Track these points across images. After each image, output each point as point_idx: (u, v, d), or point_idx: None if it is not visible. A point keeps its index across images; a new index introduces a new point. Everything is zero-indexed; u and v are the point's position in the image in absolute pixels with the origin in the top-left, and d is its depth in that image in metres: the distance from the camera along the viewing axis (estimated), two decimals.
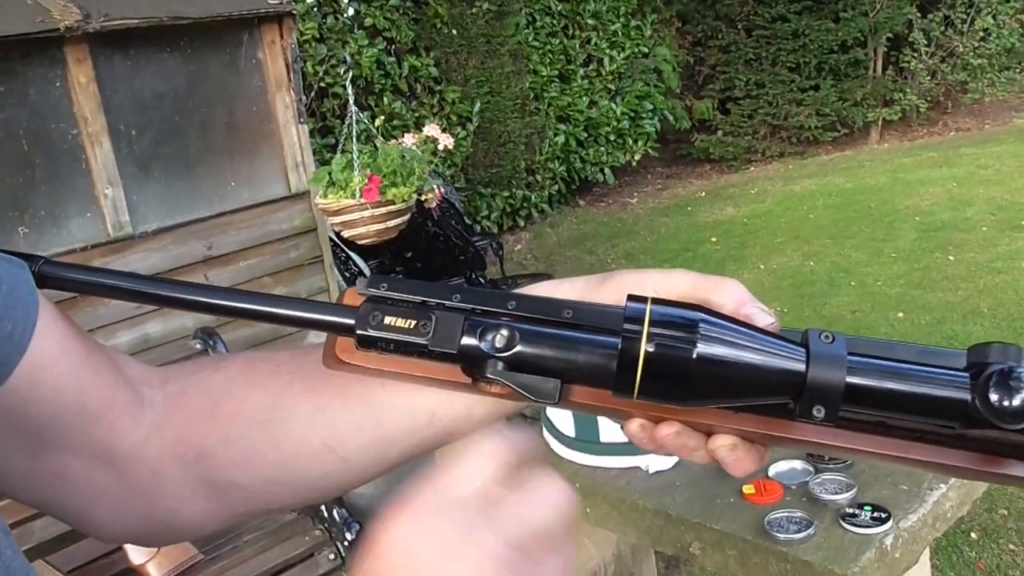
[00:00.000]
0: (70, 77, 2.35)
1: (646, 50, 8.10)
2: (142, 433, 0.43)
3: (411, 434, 0.42)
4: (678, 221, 7.02)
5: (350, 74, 2.88)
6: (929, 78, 8.86)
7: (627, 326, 0.33)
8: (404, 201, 2.59)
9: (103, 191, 2.42)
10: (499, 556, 0.29)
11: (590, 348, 0.35)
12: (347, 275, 3.64)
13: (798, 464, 1.48)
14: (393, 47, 6.13)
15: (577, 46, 7.59)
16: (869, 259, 5.07)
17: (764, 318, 0.35)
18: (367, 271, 3.90)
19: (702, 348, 0.32)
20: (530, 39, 6.97)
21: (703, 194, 7.99)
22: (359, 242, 2.72)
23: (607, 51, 7.77)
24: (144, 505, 0.44)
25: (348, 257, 3.69)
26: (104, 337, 2.46)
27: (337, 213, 2.58)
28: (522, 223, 7.20)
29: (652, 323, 0.33)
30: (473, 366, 0.35)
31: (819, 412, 0.33)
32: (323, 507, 2.06)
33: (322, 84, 5.43)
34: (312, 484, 0.44)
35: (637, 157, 8.10)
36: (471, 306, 0.35)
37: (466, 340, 0.35)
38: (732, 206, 7.21)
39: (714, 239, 6.18)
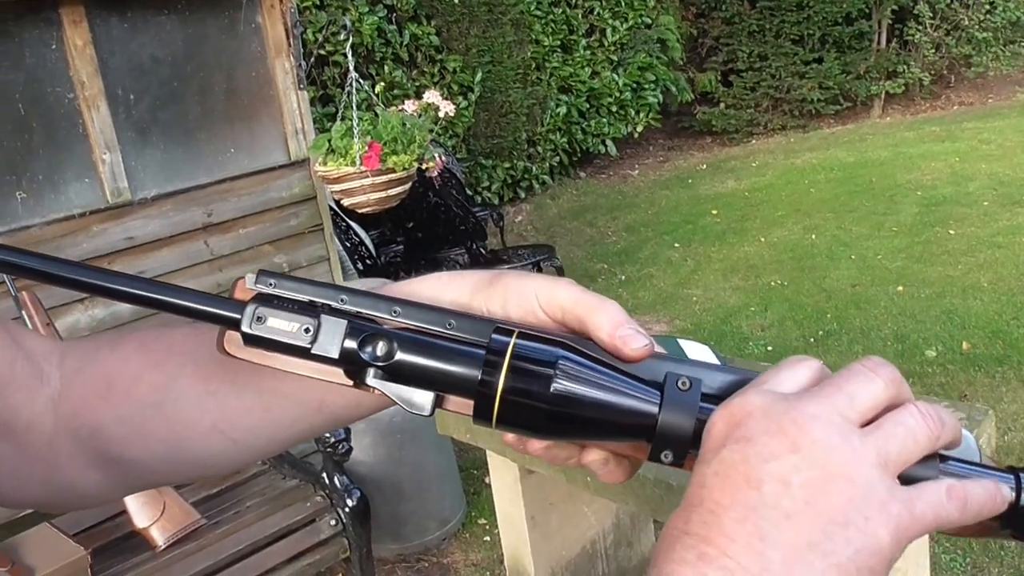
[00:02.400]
0: (66, 39, 2.31)
1: (649, 21, 7.99)
2: (38, 408, 0.44)
3: (300, 420, 0.43)
4: (679, 193, 6.99)
5: (350, 39, 2.84)
6: (933, 51, 8.77)
7: (489, 358, 0.34)
8: (405, 169, 2.56)
9: (101, 156, 2.39)
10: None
11: (465, 364, 0.35)
12: (347, 244, 3.62)
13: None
14: (394, 15, 6.04)
15: (579, 16, 7.49)
16: (870, 233, 5.06)
17: (638, 340, 0.36)
18: (368, 240, 3.88)
19: (558, 387, 0.34)
20: (532, 8, 6.88)
21: (704, 166, 7.94)
22: (359, 211, 2.69)
23: (610, 21, 7.67)
24: (42, 476, 0.45)
25: (349, 226, 3.66)
26: (105, 303, 2.45)
27: (337, 181, 2.55)
28: (523, 194, 7.16)
29: (513, 357, 0.34)
30: (353, 371, 0.36)
31: (666, 457, 0.34)
32: (324, 474, 2.07)
33: (322, 52, 5.36)
34: (203, 462, 0.45)
35: (639, 129, 8.04)
36: (356, 310, 0.36)
37: (348, 345, 0.35)
38: (733, 179, 7.17)
39: (715, 211, 6.16)
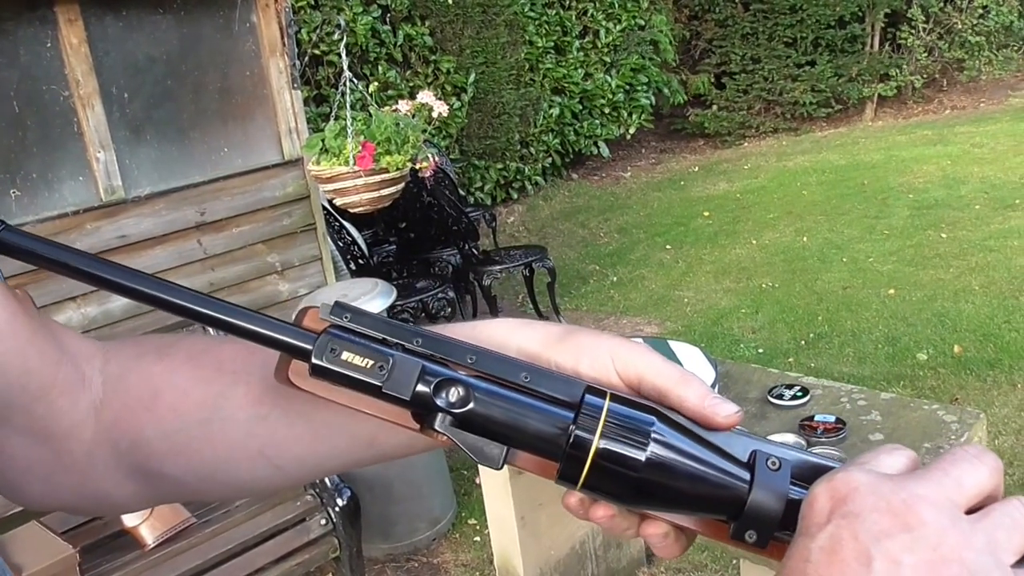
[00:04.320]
0: (61, 38, 2.30)
1: (642, 23, 8.01)
2: (80, 414, 0.43)
3: (349, 453, 0.42)
4: (671, 195, 7.01)
5: (344, 39, 2.84)
6: (926, 55, 8.82)
7: (583, 419, 0.33)
8: (398, 169, 2.56)
9: (95, 155, 2.38)
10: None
11: (542, 420, 0.34)
12: (340, 244, 3.62)
13: (790, 438, 1.49)
14: (388, 15, 6.04)
15: (573, 17, 7.50)
16: (862, 236, 5.08)
17: (728, 407, 0.36)
18: (360, 240, 3.88)
19: (652, 455, 0.33)
20: (526, 9, 6.88)
21: (697, 169, 7.97)
22: (352, 210, 2.69)
23: (603, 23, 7.68)
24: (77, 483, 0.44)
25: (342, 226, 3.66)
26: (99, 302, 2.45)
27: (330, 180, 2.55)
28: (515, 195, 7.17)
29: (607, 420, 0.33)
30: (423, 414, 0.35)
31: (751, 537, 0.34)
32: None
33: (316, 52, 5.35)
34: (243, 485, 0.45)
35: (632, 131, 8.05)
36: (430, 353, 0.35)
37: (420, 388, 0.34)
38: (725, 181, 7.20)
39: (707, 214, 6.18)
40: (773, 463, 0.34)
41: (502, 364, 0.35)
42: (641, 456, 0.33)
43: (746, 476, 0.34)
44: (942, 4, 8.73)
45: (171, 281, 0.36)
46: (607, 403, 0.34)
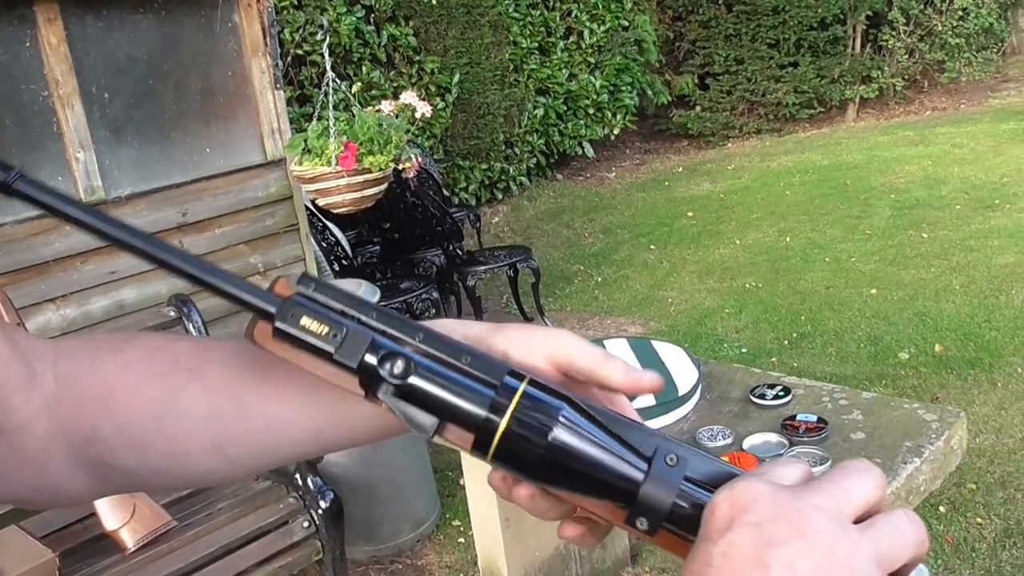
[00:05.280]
0: (40, 37, 2.27)
1: (626, 23, 8.03)
2: (32, 411, 0.44)
3: (299, 446, 0.45)
4: (655, 196, 7.03)
5: (327, 39, 2.82)
6: (907, 56, 8.91)
7: (498, 398, 0.37)
8: (381, 170, 2.55)
9: (75, 155, 2.35)
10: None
11: (473, 399, 0.37)
12: (324, 245, 3.60)
13: (772, 437, 1.50)
14: (372, 15, 6.02)
15: (557, 18, 7.50)
16: (844, 235, 5.12)
17: (649, 374, 0.41)
18: (344, 241, 3.86)
19: (555, 436, 0.36)
20: (510, 10, 6.88)
21: (681, 169, 8.00)
22: (335, 211, 2.68)
23: (587, 24, 7.70)
24: (31, 477, 0.45)
25: (325, 227, 3.64)
26: (78, 303, 2.42)
27: (312, 181, 2.53)
28: (500, 196, 7.16)
29: (521, 399, 0.36)
30: (368, 383, 0.38)
31: (642, 524, 0.36)
32: (297, 475, 2.05)
33: (299, 52, 5.32)
34: (197, 477, 0.47)
35: (616, 131, 8.07)
36: (383, 328, 0.38)
37: (368, 358, 0.37)
38: (709, 181, 7.23)
39: (691, 214, 6.20)
40: (671, 459, 0.36)
41: (446, 345, 0.38)
42: (546, 436, 0.36)
43: (644, 467, 0.36)
44: (922, 6, 8.82)
45: (164, 241, 0.39)
46: (523, 385, 0.37)
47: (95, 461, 0.44)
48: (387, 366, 0.37)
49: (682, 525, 0.36)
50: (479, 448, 0.37)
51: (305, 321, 0.37)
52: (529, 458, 0.36)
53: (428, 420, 0.37)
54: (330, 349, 0.37)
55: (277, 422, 0.43)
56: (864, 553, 0.31)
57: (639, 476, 0.36)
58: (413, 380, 0.37)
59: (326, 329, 0.37)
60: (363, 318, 0.38)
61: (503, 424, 0.36)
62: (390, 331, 0.38)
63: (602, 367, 0.40)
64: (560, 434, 0.36)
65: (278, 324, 0.37)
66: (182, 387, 0.43)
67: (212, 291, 0.39)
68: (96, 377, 0.44)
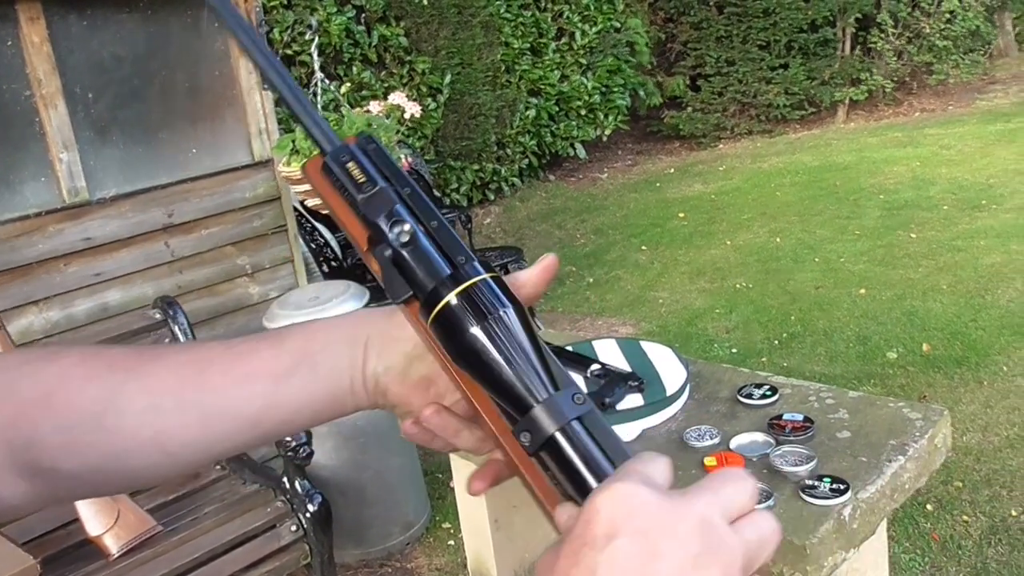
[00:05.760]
0: (22, 36, 2.25)
1: (618, 25, 8.04)
2: None
3: (235, 435, 0.46)
4: (647, 197, 7.04)
5: (315, 39, 2.81)
6: (896, 59, 8.95)
7: (455, 277, 0.39)
8: None
9: (58, 155, 2.33)
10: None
11: (434, 276, 0.40)
12: (313, 246, 3.58)
13: (759, 436, 1.50)
14: (363, 15, 6.00)
15: (549, 19, 7.51)
16: (834, 236, 5.14)
17: (551, 260, 0.47)
18: (333, 242, 3.85)
19: (490, 324, 0.38)
20: (502, 11, 6.88)
21: (672, 170, 8.01)
22: (323, 211, 2.67)
23: (579, 25, 7.70)
24: None
25: (314, 227, 3.63)
26: (61, 306, 2.40)
27: (300, 182, 2.52)
28: (492, 197, 7.16)
29: (473, 286, 0.39)
30: (373, 240, 0.42)
31: (525, 438, 0.37)
32: (285, 478, 2.04)
33: (289, 52, 5.30)
34: (136, 474, 0.48)
35: (608, 132, 8.08)
36: (408, 202, 0.42)
37: (382, 219, 0.41)
38: (701, 182, 7.25)
39: (682, 215, 6.21)
40: (579, 398, 0.37)
41: (450, 239, 0.41)
42: (484, 319, 0.38)
43: (551, 391, 0.37)
44: (910, 9, 8.87)
45: (281, 70, 0.44)
46: (485, 276, 0.40)
47: (34, 465, 0.45)
48: (395, 231, 0.41)
49: (560, 464, 0.36)
50: (424, 310, 0.39)
51: (350, 166, 0.42)
52: (461, 332, 0.38)
53: (403, 290, 0.40)
54: (357, 197, 0.41)
55: (213, 414, 0.45)
56: (738, 558, 0.33)
57: (542, 394, 0.37)
58: (407, 252, 0.40)
59: (363, 180, 0.42)
60: (397, 189, 0.42)
61: (452, 295, 0.38)
62: (413, 207, 0.42)
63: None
64: (495, 324, 0.38)
65: (327, 160, 0.43)
66: (120, 385, 0.45)
67: (294, 114, 0.44)
68: (34, 382, 0.45)
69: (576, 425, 0.36)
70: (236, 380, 0.45)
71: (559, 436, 0.36)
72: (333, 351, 0.46)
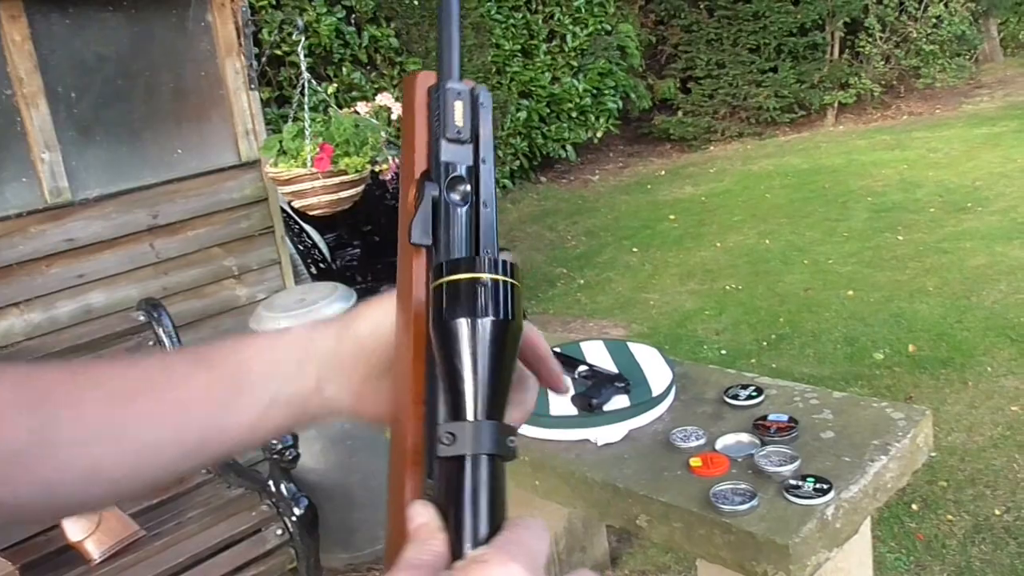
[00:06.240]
0: (4, 35, 2.23)
1: (609, 27, 8.06)
2: None
3: (180, 461, 0.45)
4: (638, 199, 7.05)
5: (302, 39, 2.80)
6: (883, 63, 9.01)
7: (483, 262, 0.38)
8: (357, 171, 2.53)
9: (40, 155, 2.31)
10: None
11: (467, 260, 0.39)
12: (301, 248, 3.56)
13: (744, 437, 1.50)
14: (353, 16, 5.99)
15: (540, 21, 7.51)
16: (822, 238, 5.16)
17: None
18: (322, 244, 3.83)
19: (468, 323, 0.36)
20: (492, 12, 6.88)
21: (663, 172, 8.03)
22: (310, 213, 2.65)
23: (570, 27, 7.71)
24: None
25: (302, 229, 3.61)
26: (44, 307, 2.37)
27: (288, 182, 2.51)
28: None
29: (487, 280, 0.37)
30: (427, 176, 0.42)
31: (447, 439, 0.36)
32: (271, 482, 2.02)
33: (278, 52, 5.28)
34: (73, 505, 0.47)
35: (599, 134, 8.09)
36: (478, 171, 0.42)
37: (449, 166, 0.41)
38: (691, 185, 7.26)
39: (672, 217, 6.22)
40: (511, 441, 0.36)
41: (491, 229, 0.42)
42: (471, 315, 0.37)
43: (492, 416, 0.36)
44: (897, 14, 8.92)
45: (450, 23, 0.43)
46: (506, 279, 0.38)
47: None
48: (453, 184, 0.41)
49: (449, 485, 0.35)
50: (436, 270, 0.39)
51: (456, 105, 0.42)
52: (450, 313, 0.37)
53: (426, 238, 0.41)
54: (442, 135, 0.41)
55: (150, 443, 0.44)
56: None
57: (481, 415, 0.36)
58: (451, 208, 0.41)
59: (459, 125, 0.41)
60: (481, 152, 0.42)
61: (467, 275, 0.37)
62: (479, 179, 0.42)
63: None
64: (482, 327, 0.36)
65: (443, 86, 0.42)
66: (53, 416, 0.43)
67: (440, 44, 0.43)
68: None
69: (485, 460, 0.35)
70: (171, 408, 0.44)
71: (468, 462, 0.35)
72: (277, 377, 0.44)
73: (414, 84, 0.43)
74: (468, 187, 0.41)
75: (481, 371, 0.36)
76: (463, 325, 0.36)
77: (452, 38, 0.43)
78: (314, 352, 0.45)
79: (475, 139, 0.42)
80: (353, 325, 0.45)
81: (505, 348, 0.37)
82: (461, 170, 0.42)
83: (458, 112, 0.42)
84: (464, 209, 0.41)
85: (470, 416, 0.36)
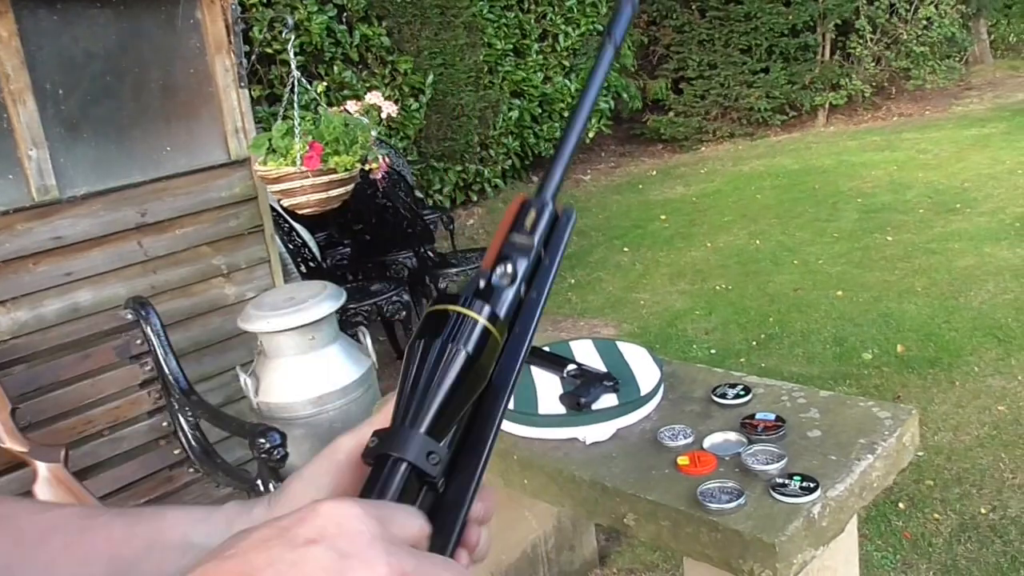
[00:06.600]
0: None
1: (601, 27, 8.07)
2: None
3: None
4: (629, 199, 7.06)
5: (292, 38, 2.79)
6: (874, 64, 9.06)
7: (467, 301, 0.40)
8: (347, 170, 2.52)
9: (27, 152, 2.30)
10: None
11: (462, 298, 0.41)
12: (291, 247, 3.55)
13: (732, 436, 1.50)
14: (344, 15, 5.98)
15: (532, 20, 7.51)
16: (812, 239, 5.18)
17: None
18: (312, 243, 3.82)
19: (423, 342, 0.38)
20: (484, 11, 6.87)
21: (654, 173, 8.05)
22: (300, 211, 2.65)
23: (562, 27, 7.72)
24: None
25: (292, 228, 3.60)
26: (31, 306, 2.36)
27: (277, 181, 2.50)
28: (475, 198, 7.15)
29: (462, 314, 0.39)
30: (491, 263, 0.45)
31: (373, 440, 0.38)
32: (259, 481, 2.02)
33: (269, 50, 5.27)
34: None
35: (591, 135, 8.10)
36: (534, 268, 0.45)
37: (509, 258, 0.44)
38: (682, 185, 7.28)
39: (663, 217, 6.24)
40: (433, 457, 0.37)
41: (530, 317, 0.44)
42: (430, 337, 0.39)
43: (420, 431, 0.37)
44: (888, 15, 8.97)
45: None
46: (478, 318, 0.40)
47: None
48: (503, 269, 0.44)
49: (370, 480, 0.36)
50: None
51: (533, 212, 0.46)
52: (417, 331, 0.40)
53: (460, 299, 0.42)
54: (513, 233, 0.45)
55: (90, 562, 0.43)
56: None
57: (413, 426, 0.37)
58: (493, 285, 0.43)
59: (529, 229, 0.45)
60: (541, 254, 0.45)
61: (451, 307, 0.39)
62: (533, 274, 0.45)
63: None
64: (433, 348, 0.38)
65: (530, 200, 0.46)
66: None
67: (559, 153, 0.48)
68: None
69: (403, 466, 0.36)
70: (77, 559, 0.43)
71: (386, 463, 0.36)
72: (192, 552, 0.43)
73: (514, 202, 0.48)
74: (517, 276, 0.44)
75: (422, 387, 0.37)
76: (420, 344, 0.38)
77: (562, 158, 0.48)
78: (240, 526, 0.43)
79: (545, 244, 0.46)
80: (279, 502, 0.44)
81: (453, 374, 0.38)
82: (520, 266, 0.44)
83: (531, 217, 0.46)
84: (511, 290, 0.43)
85: (401, 424, 0.37)
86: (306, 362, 2.47)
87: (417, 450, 0.36)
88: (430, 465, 0.36)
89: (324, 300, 2.48)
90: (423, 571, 0.32)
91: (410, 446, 0.36)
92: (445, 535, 0.36)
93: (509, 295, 0.43)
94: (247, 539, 0.31)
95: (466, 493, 0.38)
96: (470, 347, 0.38)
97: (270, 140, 2.56)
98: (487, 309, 0.40)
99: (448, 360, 0.38)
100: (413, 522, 0.34)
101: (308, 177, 2.49)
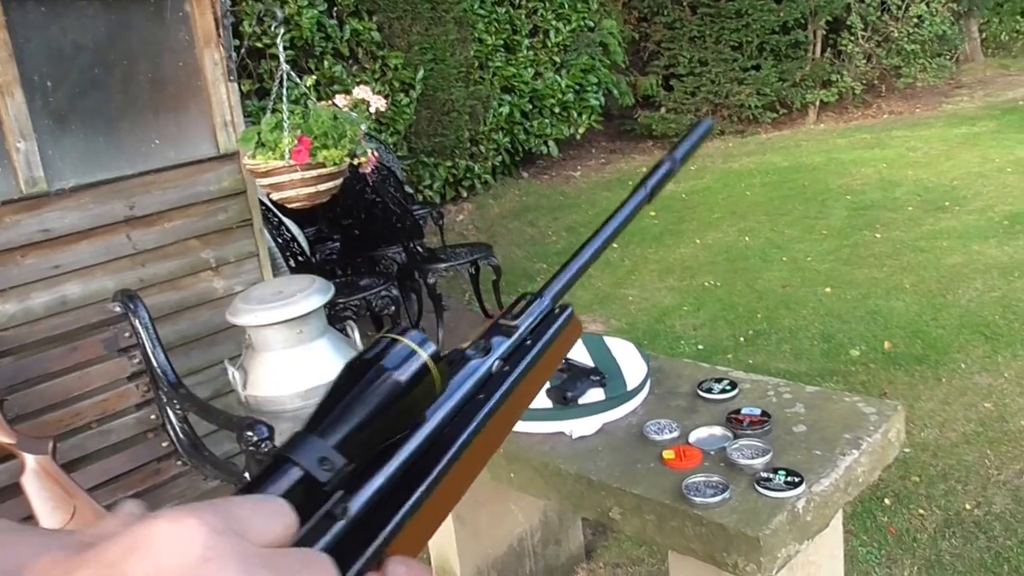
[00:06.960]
0: None
1: (592, 24, 8.06)
2: None
3: None
4: (620, 195, 6.95)
5: (281, 32, 2.77)
6: (865, 62, 9.09)
7: (404, 331, 0.40)
8: (336, 164, 2.52)
9: (15, 144, 2.28)
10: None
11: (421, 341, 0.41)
12: (280, 241, 3.55)
13: (717, 430, 1.51)
14: (335, 9, 5.95)
15: (523, 16, 7.50)
16: (801, 236, 5.20)
17: None
18: (301, 237, 3.81)
19: (360, 363, 0.38)
20: (475, 7, 6.86)
21: (644, 169, 7.99)
22: (289, 205, 2.64)
23: (553, 23, 7.71)
24: None
25: (281, 222, 3.59)
26: (18, 298, 2.34)
27: (266, 175, 2.49)
28: (465, 193, 7.14)
29: (402, 344, 0.39)
30: (478, 337, 0.45)
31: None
32: (247, 474, 2.02)
33: (259, 44, 5.24)
34: None
35: (581, 131, 8.10)
36: (514, 349, 0.45)
37: (492, 336, 0.45)
38: (672, 181, 7.23)
39: (653, 213, 6.25)
40: (326, 463, 0.35)
41: (495, 386, 0.44)
42: (371, 358, 0.38)
43: (317, 437, 0.35)
44: (879, 13, 9.01)
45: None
46: (421, 354, 0.39)
47: None
48: (485, 344, 0.44)
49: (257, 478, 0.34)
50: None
51: (523, 304, 0.47)
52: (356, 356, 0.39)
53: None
54: (502, 317, 0.46)
55: None
56: None
57: (314, 432, 0.36)
58: (465, 356, 0.44)
59: (518, 313, 0.46)
60: (526, 339, 0.46)
61: (402, 339, 0.39)
62: (512, 353, 0.45)
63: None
64: (365, 370, 0.38)
65: (530, 294, 0.48)
66: None
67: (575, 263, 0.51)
68: None
69: (290, 467, 0.35)
70: None
71: (277, 460, 0.35)
72: None
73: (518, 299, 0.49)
74: (494, 353, 0.44)
75: (344, 402, 0.37)
76: (357, 361, 0.39)
77: (571, 268, 0.49)
78: None
79: (532, 331, 0.46)
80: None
81: (378, 398, 0.37)
82: (496, 340, 0.45)
83: (521, 305, 0.47)
84: (481, 360, 0.43)
85: (310, 429, 0.36)
86: (294, 356, 2.47)
87: (310, 455, 0.35)
88: (321, 470, 0.35)
89: (312, 294, 2.47)
90: None
91: (307, 451, 0.35)
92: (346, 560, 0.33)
93: (477, 363, 0.43)
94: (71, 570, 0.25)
95: (380, 530, 0.36)
96: (403, 377, 0.38)
97: (259, 134, 2.55)
98: (432, 348, 0.40)
99: (378, 382, 0.38)
100: (274, 522, 0.30)
101: (297, 171, 2.48)
